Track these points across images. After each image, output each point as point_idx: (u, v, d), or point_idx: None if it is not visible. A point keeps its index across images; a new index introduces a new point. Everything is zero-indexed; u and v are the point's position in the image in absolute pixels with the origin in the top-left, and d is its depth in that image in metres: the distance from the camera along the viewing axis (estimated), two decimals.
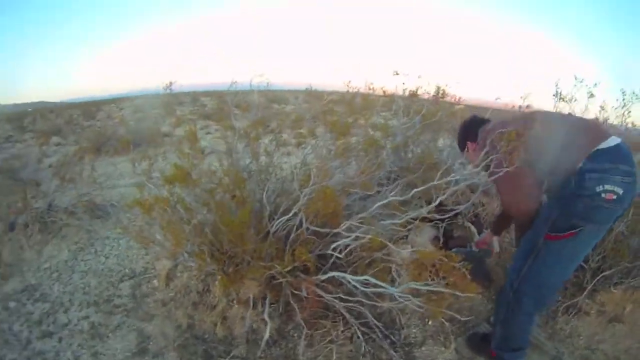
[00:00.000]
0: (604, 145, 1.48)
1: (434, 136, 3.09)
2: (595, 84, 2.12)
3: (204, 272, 2.29)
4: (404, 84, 2.80)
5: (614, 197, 1.43)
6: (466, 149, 2.04)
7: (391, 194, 2.00)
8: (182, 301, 2.24)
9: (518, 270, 1.71)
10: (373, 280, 1.61)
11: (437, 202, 1.83)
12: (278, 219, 1.97)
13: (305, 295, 1.88)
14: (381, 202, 1.93)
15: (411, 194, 1.87)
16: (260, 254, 1.95)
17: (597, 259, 2.32)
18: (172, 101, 13.49)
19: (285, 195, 2.16)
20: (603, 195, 1.43)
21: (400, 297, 1.63)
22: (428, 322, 2.17)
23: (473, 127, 1.97)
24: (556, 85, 2.25)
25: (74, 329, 2.10)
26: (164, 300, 2.28)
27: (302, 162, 2.20)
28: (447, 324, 2.08)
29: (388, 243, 1.68)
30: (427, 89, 2.67)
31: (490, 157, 1.65)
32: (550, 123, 1.69)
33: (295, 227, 1.96)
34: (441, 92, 2.80)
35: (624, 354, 2.14)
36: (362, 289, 1.72)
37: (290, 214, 1.90)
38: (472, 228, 2.58)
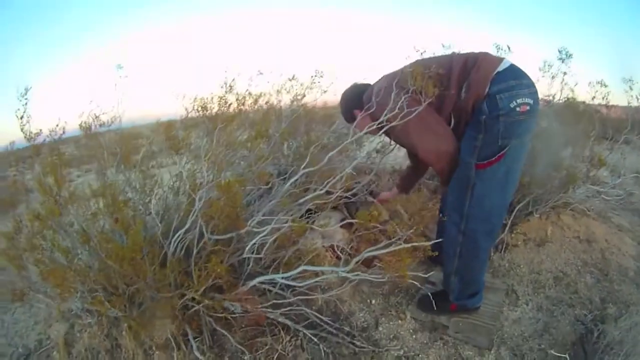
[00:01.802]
0: (501, 68, 1.52)
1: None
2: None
3: (105, 326, 1.87)
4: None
5: (528, 107, 1.48)
6: (350, 119, 1.95)
7: (288, 184, 1.77)
8: None
9: (459, 212, 1.65)
10: (312, 268, 1.35)
11: (325, 188, 1.68)
12: (174, 235, 1.61)
13: (243, 310, 1.60)
14: (281, 194, 1.70)
15: (298, 174, 1.65)
16: (163, 283, 1.61)
17: None
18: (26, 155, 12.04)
19: (174, 207, 1.81)
20: (518, 109, 1.47)
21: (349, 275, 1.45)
22: (371, 302, 2.04)
23: (355, 93, 1.93)
24: None
25: None
26: None
27: (189, 164, 1.85)
28: (390, 297, 2.04)
29: (314, 226, 1.43)
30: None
31: (388, 116, 1.62)
32: (442, 62, 1.64)
33: (195, 240, 1.63)
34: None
35: (566, 266, 2.37)
36: (296, 284, 1.45)
37: (188, 224, 1.55)
38: (377, 206, 2.53)
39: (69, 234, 1.73)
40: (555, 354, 1.68)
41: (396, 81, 1.64)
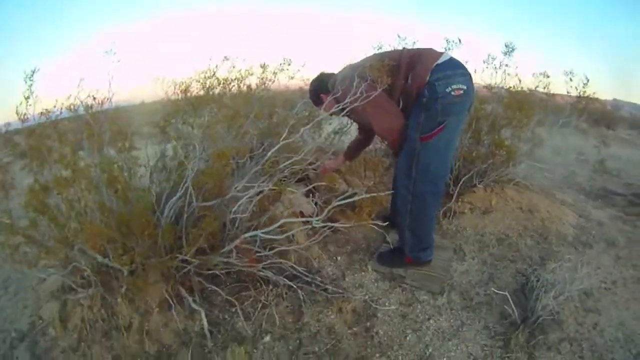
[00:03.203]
0: (440, 60, 1.86)
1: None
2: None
3: (99, 297, 1.99)
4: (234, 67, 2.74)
5: (461, 91, 1.81)
6: (318, 104, 2.30)
7: (269, 153, 2.02)
8: (92, 337, 1.93)
9: (408, 177, 1.97)
10: (290, 220, 1.61)
11: (299, 157, 1.97)
12: (166, 202, 1.83)
13: (245, 262, 1.84)
14: (262, 163, 1.94)
15: (277, 145, 1.91)
16: (157, 249, 1.82)
17: (456, 167, 2.83)
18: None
19: (164, 179, 2.03)
20: (453, 93, 1.80)
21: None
22: (337, 259, 2.33)
23: (322, 81, 2.26)
24: None
25: None
26: (71, 345, 1.94)
27: (177, 137, 2.06)
28: (354, 255, 2.35)
29: (292, 189, 1.70)
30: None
31: (350, 99, 1.92)
32: (394, 56, 1.98)
33: (186, 207, 1.86)
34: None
35: (508, 230, 2.65)
36: (275, 237, 1.71)
37: (180, 192, 1.78)
38: (334, 174, 2.79)
39: (71, 206, 1.85)
40: (496, 291, 2.00)
41: (357, 72, 1.95)
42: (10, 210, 1.82)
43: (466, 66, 1.91)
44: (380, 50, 2.26)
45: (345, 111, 2.02)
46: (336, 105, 2.06)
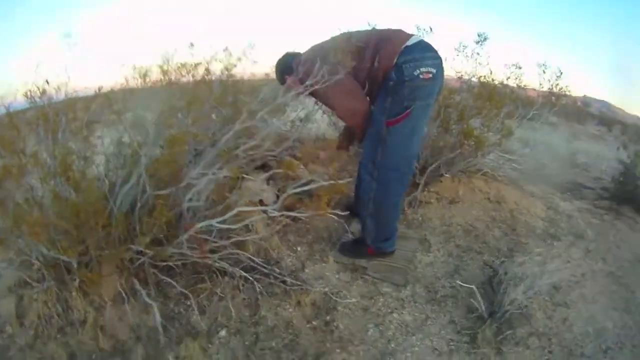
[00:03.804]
0: (409, 42, 1.80)
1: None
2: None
3: (54, 291, 1.90)
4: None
5: (430, 75, 1.76)
6: (286, 82, 2.16)
7: (223, 139, 1.94)
8: (47, 333, 1.85)
9: (372, 162, 1.92)
10: (246, 209, 1.55)
11: (255, 141, 1.88)
12: (120, 190, 1.75)
13: (198, 253, 1.78)
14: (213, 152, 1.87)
15: (233, 130, 1.82)
16: (110, 240, 1.74)
17: (423, 156, 2.77)
18: None
19: (117, 167, 1.94)
20: (421, 76, 1.74)
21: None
22: (297, 249, 2.26)
23: (287, 61, 2.16)
24: None
25: None
26: (28, 342, 1.85)
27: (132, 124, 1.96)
28: (314, 245, 2.28)
29: (246, 175, 1.63)
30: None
31: (312, 81, 1.81)
32: (361, 37, 1.91)
33: (139, 196, 1.78)
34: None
35: (475, 221, 2.63)
36: (231, 226, 1.65)
37: (133, 180, 1.70)
38: (294, 161, 2.76)
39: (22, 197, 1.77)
40: (462, 284, 1.99)
41: (321, 54, 1.85)
42: None
43: (437, 50, 1.86)
44: (347, 30, 2.18)
45: (308, 91, 1.91)
46: (299, 87, 1.94)
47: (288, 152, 2.77)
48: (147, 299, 1.76)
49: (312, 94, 1.92)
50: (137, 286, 1.83)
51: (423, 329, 1.79)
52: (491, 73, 3.03)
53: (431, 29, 2.45)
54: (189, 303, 1.83)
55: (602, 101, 14.96)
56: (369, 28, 2.08)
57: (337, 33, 2.07)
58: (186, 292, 1.81)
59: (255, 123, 1.74)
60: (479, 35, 2.80)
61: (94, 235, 1.70)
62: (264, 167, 2.58)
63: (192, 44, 2.08)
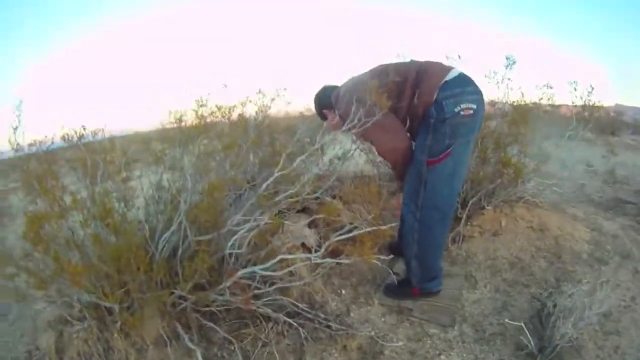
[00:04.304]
0: (449, 77, 1.75)
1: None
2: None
3: (95, 330, 1.92)
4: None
5: (471, 111, 1.71)
6: (322, 118, 2.18)
7: (264, 186, 1.94)
8: None
9: (415, 203, 1.87)
10: (288, 257, 1.53)
11: (296, 188, 1.88)
12: (161, 237, 1.75)
13: (232, 294, 1.75)
14: (256, 195, 1.86)
15: (273, 176, 1.81)
16: (151, 284, 1.74)
17: (463, 189, 2.68)
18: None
19: (158, 212, 1.94)
20: (462, 112, 1.70)
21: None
22: (342, 292, 2.22)
23: (325, 96, 2.12)
24: None
25: None
26: None
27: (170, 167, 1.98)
28: (359, 288, 2.23)
29: (287, 222, 1.61)
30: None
31: (352, 117, 1.80)
32: (399, 71, 1.85)
33: (180, 241, 1.78)
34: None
35: (520, 252, 2.55)
36: (274, 274, 1.62)
37: (174, 226, 1.70)
38: (336, 203, 2.68)
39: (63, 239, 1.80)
40: (510, 322, 1.89)
41: (355, 97, 1.80)
42: (5, 238, 1.79)
43: (477, 83, 1.81)
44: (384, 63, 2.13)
45: (346, 129, 1.89)
46: (339, 124, 1.96)
47: (328, 193, 2.74)
48: (189, 344, 1.74)
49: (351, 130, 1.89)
50: (180, 330, 1.82)
51: None
52: (523, 96, 2.97)
53: (459, 56, 2.41)
54: (232, 348, 1.81)
55: (636, 108, 14.52)
56: (407, 60, 2.02)
57: (374, 66, 2.01)
58: (229, 337, 1.79)
59: (295, 168, 1.73)
60: (507, 59, 2.74)
61: (135, 279, 1.70)
62: (304, 210, 2.57)
63: (225, 86, 2.10)
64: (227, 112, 2.04)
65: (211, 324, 1.81)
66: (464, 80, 1.78)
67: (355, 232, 1.70)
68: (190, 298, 1.75)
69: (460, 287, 2.18)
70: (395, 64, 1.98)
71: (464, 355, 1.79)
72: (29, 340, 2.18)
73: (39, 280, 1.68)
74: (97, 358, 1.85)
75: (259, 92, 2.05)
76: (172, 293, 1.76)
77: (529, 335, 1.72)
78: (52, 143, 1.97)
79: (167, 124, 2.05)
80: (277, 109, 2.10)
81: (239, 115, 2.07)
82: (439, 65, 1.86)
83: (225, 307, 1.85)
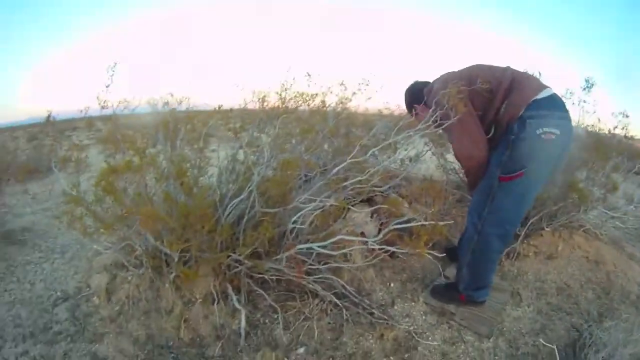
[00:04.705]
0: (540, 96, 1.68)
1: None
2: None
3: (147, 278, 2.08)
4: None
5: (553, 137, 1.63)
6: (414, 112, 2.14)
7: (334, 170, 2.00)
8: (131, 313, 2.02)
9: (478, 215, 1.86)
10: (348, 237, 1.60)
11: (365, 176, 1.92)
12: (229, 202, 1.86)
13: (295, 272, 1.85)
14: (327, 178, 1.93)
15: (345, 162, 1.88)
16: (213, 245, 1.86)
17: None
18: (66, 127, 12.43)
19: (230, 181, 2.06)
20: (543, 136, 1.63)
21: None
22: (390, 285, 2.28)
23: (417, 89, 2.11)
24: None
25: None
26: (111, 316, 2.03)
27: (248, 143, 2.08)
28: (407, 284, 2.28)
29: (352, 207, 1.68)
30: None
31: (438, 113, 1.78)
32: (495, 74, 1.81)
33: (247, 209, 1.89)
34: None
35: (570, 279, 2.50)
36: (331, 252, 1.70)
37: (244, 194, 1.81)
38: (399, 199, 2.71)
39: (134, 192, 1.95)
40: (544, 342, 1.89)
41: (436, 99, 1.82)
42: (80, 183, 1.94)
43: (567, 109, 1.74)
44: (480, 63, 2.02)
45: (430, 122, 1.88)
46: (426, 119, 1.90)
47: (395, 190, 2.78)
48: (237, 304, 1.87)
49: (439, 125, 1.88)
50: (230, 291, 1.95)
51: None
52: (599, 121, 2.86)
53: (540, 73, 2.34)
54: (275, 316, 1.92)
55: None
56: (503, 66, 1.92)
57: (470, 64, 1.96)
58: (276, 305, 1.90)
59: (367, 158, 1.78)
60: (586, 81, 2.65)
61: (198, 238, 1.82)
62: (369, 201, 2.63)
63: (309, 75, 2.16)
64: (308, 99, 2.11)
65: (261, 291, 1.93)
66: (554, 103, 1.71)
67: (413, 224, 1.74)
68: (246, 263, 1.87)
69: (505, 302, 2.18)
70: (491, 66, 1.92)
71: None
72: (81, 279, 2.38)
73: (105, 224, 1.83)
74: (144, 303, 2.02)
75: (342, 83, 2.10)
76: (229, 256, 1.88)
77: None
78: (138, 106, 2.12)
79: (249, 103, 2.15)
80: (357, 104, 2.14)
81: (321, 102, 2.14)
82: (534, 80, 1.80)
83: (277, 278, 1.96)
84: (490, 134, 1.83)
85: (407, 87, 2.22)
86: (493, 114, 1.78)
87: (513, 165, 1.70)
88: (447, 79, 1.89)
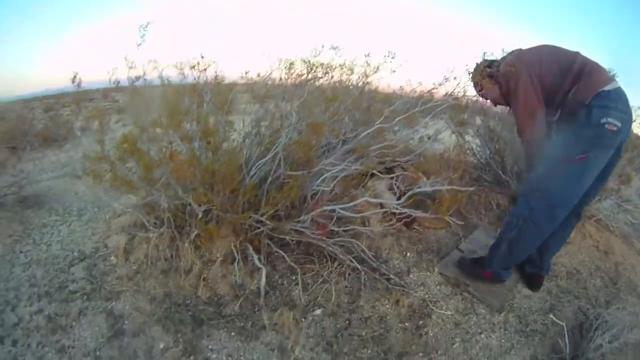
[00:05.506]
0: (608, 87, 1.73)
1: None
2: None
3: (167, 237, 2.11)
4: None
5: (615, 128, 1.68)
6: (480, 89, 2.16)
7: (354, 140, 2.04)
8: (149, 272, 2.04)
9: (533, 192, 1.90)
10: (372, 200, 1.64)
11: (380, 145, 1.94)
12: (254, 164, 1.91)
13: (317, 233, 1.88)
14: (350, 145, 1.97)
15: (371, 128, 1.91)
16: (235, 205, 1.90)
17: None
18: (82, 97, 12.48)
19: (256, 142, 2.10)
20: (606, 126, 1.68)
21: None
22: (407, 254, 2.33)
23: (485, 66, 2.14)
24: None
25: (28, 326, 1.78)
26: (128, 274, 2.05)
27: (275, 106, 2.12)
28: (423, 254, 2.33)
29: (376, 172, 1.72)
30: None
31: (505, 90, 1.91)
32: (568, 57, 1.86)
33: (272, 171, 1.93)
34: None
35: (580, 265, 2.54)
36: (353, 215, 1.74)
37: (270, 155, 1.85)
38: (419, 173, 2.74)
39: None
40: (554, 319, 1.95)
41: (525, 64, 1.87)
42: (103, 142, 1.97)
43: (629, 104, 1.78)
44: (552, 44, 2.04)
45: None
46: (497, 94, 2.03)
47: (412, 164, 2.77)
48: (257, 263, 1.91)
49: (506, 100, 2.01)
50: (250, 251, 1.99)
51: (505, 357, 1.78)
52: None
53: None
54: (294, 278, 1.97)
55: None
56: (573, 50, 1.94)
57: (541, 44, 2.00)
58: (295, 266, 1.94)
59: (392, 125, 1.82)
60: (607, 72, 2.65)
61: (221, 196, 1.87)
62: (389, 173, 2.61)
63: (336, 47, 2.19)
64: (334, 70, 2.14)
65: (281, 252, 1.97)
66: (619, 96, 1.74)
67: (435, 187, 1.79)
68: (267, 224, 1.91)
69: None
70: (562, 49, 1.95)
71: (503, 341, 1.86)
72: (98, 239, 2.39)
73: (128, 182, 1.88)
74: (163, 263, 2.06)
75: (367, 55, 2.12)
76: (252, 217, 1.92)
77: (567, 339, 1.77)
78: (164, 70, 2.14)
79: (276, 70, 2.17)
80: (380, 78, 2.16)
81: (346, 73, 2.17)
82: (603, 71, 1.84)
83: (297, 240, 2.00)
84: (556, 116, 1.88)
85: (476, 64, 2.25)
86: (561, 96, 1.83)
87: (574, 150, 1.75)
88: (520, 56, 1.95)
